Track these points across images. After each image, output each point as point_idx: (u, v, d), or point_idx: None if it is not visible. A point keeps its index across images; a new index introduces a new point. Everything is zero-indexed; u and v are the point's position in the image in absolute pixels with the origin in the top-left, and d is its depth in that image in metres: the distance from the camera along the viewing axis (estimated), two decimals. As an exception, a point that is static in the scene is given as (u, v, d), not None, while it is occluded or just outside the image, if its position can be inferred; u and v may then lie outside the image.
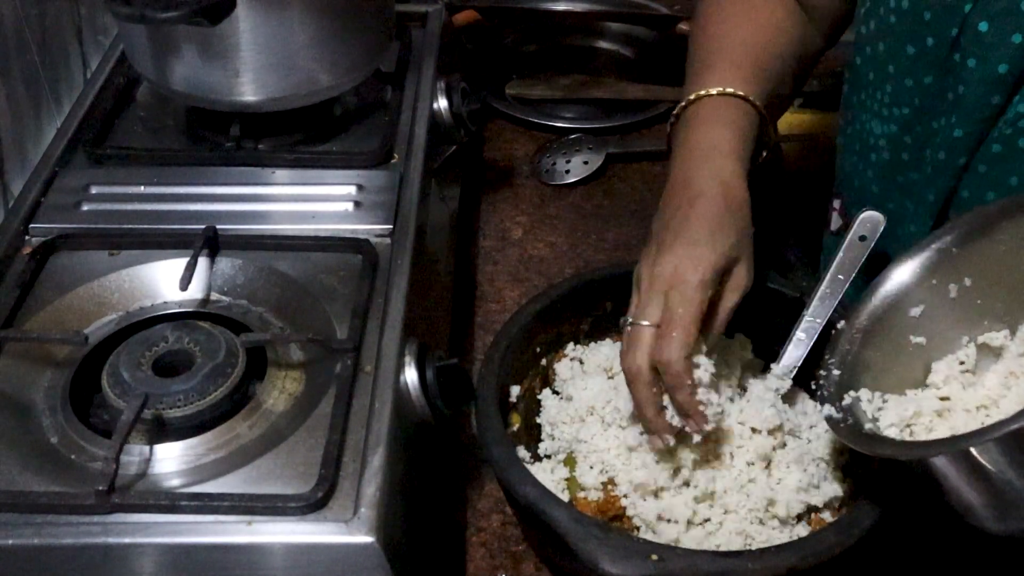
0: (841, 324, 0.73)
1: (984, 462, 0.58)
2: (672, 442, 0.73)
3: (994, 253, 0.71)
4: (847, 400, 0.69)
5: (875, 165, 0.85)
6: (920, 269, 0.73)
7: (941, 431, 0.68)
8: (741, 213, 0.75)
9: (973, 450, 0.58)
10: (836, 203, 0.95)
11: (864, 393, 0.70)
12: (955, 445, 0.60)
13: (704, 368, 0.72)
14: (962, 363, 0.71)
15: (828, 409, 0.69)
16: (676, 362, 0.70)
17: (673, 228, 0.74)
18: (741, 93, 0.81)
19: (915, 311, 0.73)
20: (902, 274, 0.73)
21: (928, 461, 0.61)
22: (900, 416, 0.68)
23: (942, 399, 0.70)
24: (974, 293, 0.72)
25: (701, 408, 0.71)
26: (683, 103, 0.82)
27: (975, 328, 0.72)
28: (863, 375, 0.71)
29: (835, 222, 0.95)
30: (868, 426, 0.68)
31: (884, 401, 0.70)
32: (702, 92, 0.81)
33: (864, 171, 0.87)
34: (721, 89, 0.81)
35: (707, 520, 0.74)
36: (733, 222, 0.74)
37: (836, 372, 0.71)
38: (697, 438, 0.73)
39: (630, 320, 0.73)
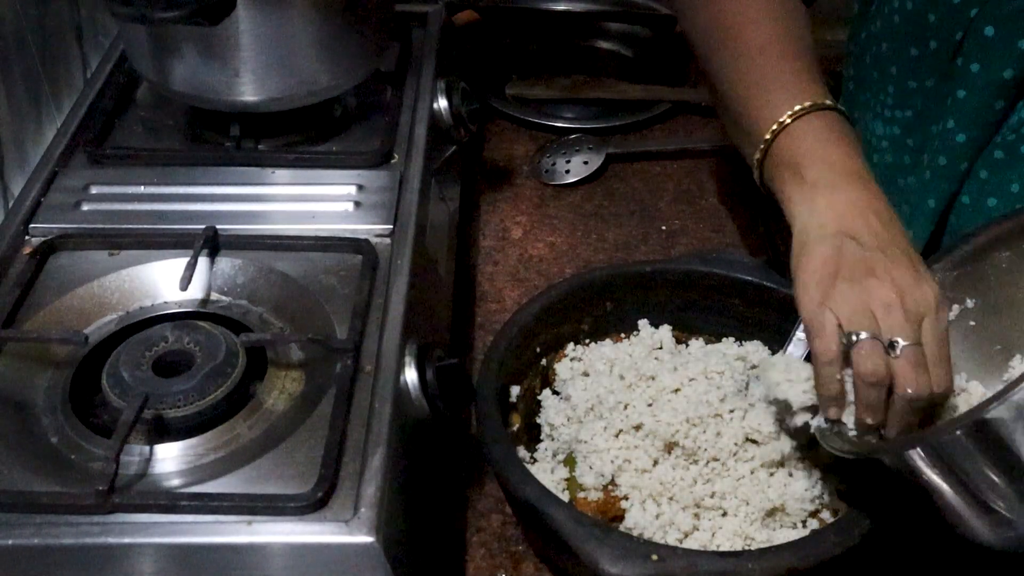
0: None
1: (961, 458, 0.57)
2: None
3: (995, 275, 0.71)
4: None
5: (877, 166, 0.85)
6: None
7: None
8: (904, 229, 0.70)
9: (955, 453, 0.57)
10: None
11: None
12: (926, 439, 0.59)
13: None
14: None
15: (818, 420, 0.69)
16: (949, 389, 0.66)
17: (897, 247, 0.66)
18: (828, 102, 0.72)
19: None
20: None
21: (913, 464, 0.60)
22: None
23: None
24: (978, 314, 0.72)
25: None
26: (768, 136, 0.71)
27: (975, 349, 0.72)
28: None
29: None
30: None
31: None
32: (807, 106, 0.70)
33: None
34: (824, 103, 0.71)
35: (710, 520, 0.74)
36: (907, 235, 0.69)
37: None
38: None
39: (902, 344, 0.65)
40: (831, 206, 0.68)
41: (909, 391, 0.64)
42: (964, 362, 0.72)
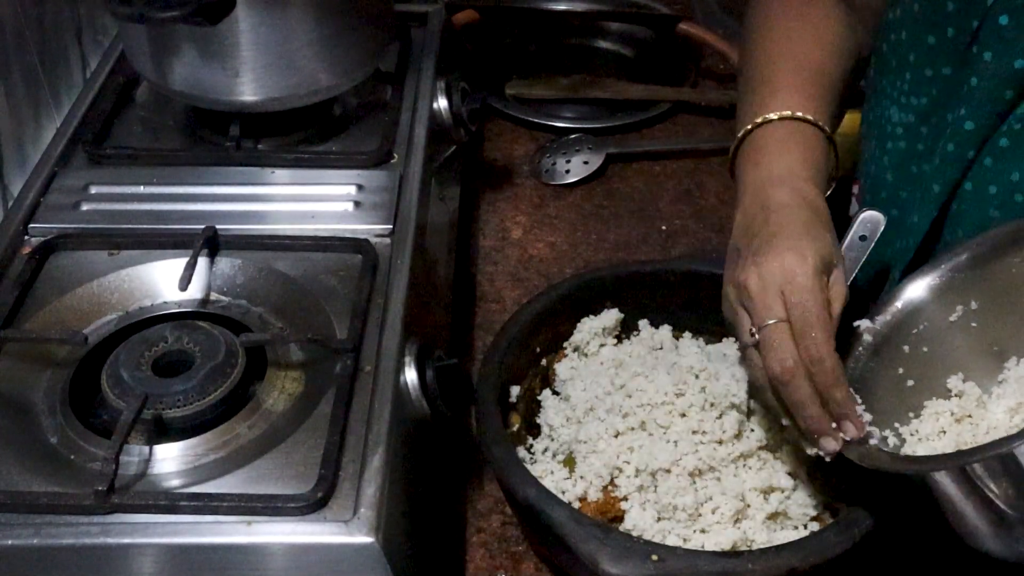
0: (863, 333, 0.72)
1: (986, 479, 0.57)
2: (837, 447, 0.67)
3: (1005, 277, 0.70)
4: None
5: (891, 153, 0.85)
6: (929, 289, 0.72)
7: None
8: (828, 224, 0.71)
9: (977, 467, 0.57)
10: (855, 188, 0.95)
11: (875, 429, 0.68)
12: (959, 459, 0.59)
13: None
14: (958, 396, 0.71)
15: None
16: (829, 356, 0.66)
17: (765, 235, 0.70)
18: (810, 118, 0.76)
19: (920, 328, 0.72)
20: (914, 291, 0.73)
21: (929, 478, 0.60)
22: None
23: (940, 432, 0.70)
24: (980, 316, 0.72)
25: (859, 411, 0.67)
26: (749, 127, 0.78)
27: (973, 351, 0.72)
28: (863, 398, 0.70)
29: (853, 207, 0.95)
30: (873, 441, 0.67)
31: (916, 415, 0.70)
32: (771, 116, 0.77)
33: (881, 158, 0.86)
34: (789, 113, 0.76)
35: (710, 521, 0.74)
36: (824, 227, 0.71)
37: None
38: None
39: (753, 330, 0.68)
40: (742, 210, 0.74)
41: (769, 373, 0.67)
42: (962, 363, 0.72)
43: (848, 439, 0.66)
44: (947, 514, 0.61)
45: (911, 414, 0.70)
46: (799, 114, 0.76)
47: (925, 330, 0.72)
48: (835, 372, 0.66)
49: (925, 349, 0.72)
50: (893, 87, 0.83)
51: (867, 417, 0.67)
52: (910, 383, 0.71)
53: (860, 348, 0.72)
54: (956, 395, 0.71)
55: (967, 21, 0.73)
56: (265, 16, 0.88)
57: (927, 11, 0.77)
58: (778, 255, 0.68)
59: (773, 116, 0.77)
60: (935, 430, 0.68)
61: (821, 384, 0.66)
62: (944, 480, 0.59)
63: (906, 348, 0.72)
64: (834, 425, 0.66)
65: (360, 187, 0.90)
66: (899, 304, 0.73)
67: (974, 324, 0.72)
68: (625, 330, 0.88)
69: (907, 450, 0.67)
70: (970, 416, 0.69)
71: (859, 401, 0.67)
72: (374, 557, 0.63)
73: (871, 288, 0.85)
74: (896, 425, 0.69)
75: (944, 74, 0.77)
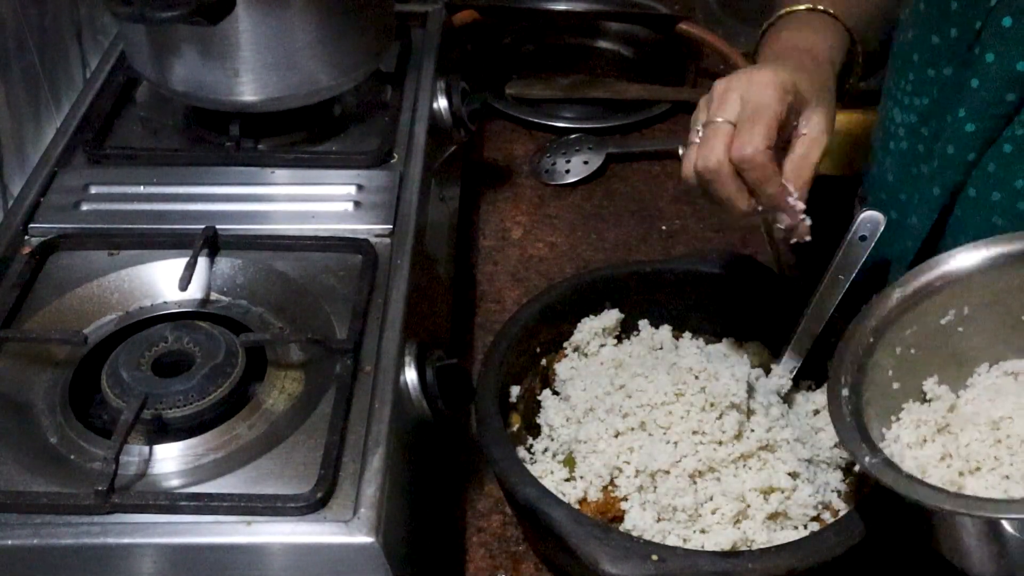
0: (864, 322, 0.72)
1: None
2: (785, 223, 0.71)
3: (1004, 285, 0.71)
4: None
5: (893, 153, 0.85)
6: (928, 290, 0.72)
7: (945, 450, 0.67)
8: (824, 70, 0.74)
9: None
10: (860, 190, 0.95)
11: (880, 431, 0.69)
12: (984, 511, 0.59)
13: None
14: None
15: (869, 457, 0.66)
16: (761, 153, 0.67)
17: (760, 62, 0.75)
18: (831, 11, 0.80)
19: (912, 330, 0.72)
20: (913, 288, 0.72)
21: (956, 522, 0.60)
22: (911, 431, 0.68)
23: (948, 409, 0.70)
24: (967, 322, 0.72)
25: (795, 197, 0.70)
26: (771, 19, 0.81)
27: (952, 355, 0.72)
28: (869, 383, 0.70)
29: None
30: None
31: (896, 419, 0.70)
32: (794, 7, 0.80)
33: (883, 159, 0.87)
34: (812, 5, 0.80)
35: (710, 521, 0.74)
36: (815, 71, 0.73)
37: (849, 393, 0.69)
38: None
39: (702, 121, 0.71)
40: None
41: (696, 168, 0.69)
42: (937, 367, 0.72)
43: (783, 227, 0.71)
44: (950, 548, 0.61)
45: (892, 417, 0.70)
46: (820, 7, 0.79)
47: (915, 333, 0.72)
48: (765, 167, 0.68)
49: (913, 351, 0.72)
50: (897, 87, 0.83)
51: (800, 206, 0.70)
52: (896, 386, 0.72)
53: (865, 340, 0.71)
54: (930, 399, 0.71)
55: (970, 22, 0.73)
56: (265, 16, 0.88)
57: (932, 11, 0.77)
58: (749, 71, 0.71)
59: (796, 7, 0.80)
60: (918, 439, 0.68)
61: (751, 180, 0.68)
62: (966, 531, 0.60)
63: (898, 350, 0.72)
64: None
65: (360, 187, 0.90)
66: (897, 298, 0.72)
67: (960, 329, 0.72)
68: (625, 330, 0.88)
69: (896, 460, 0.67)
70: (949, 426, 0.69)
71: (792, 192, 0.70)
72: (374, 557, 0.63)
73: (871, 288, 0.85)
74: (883, 431, 0.69)
75: (945, 75, 0.77)
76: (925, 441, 0.68)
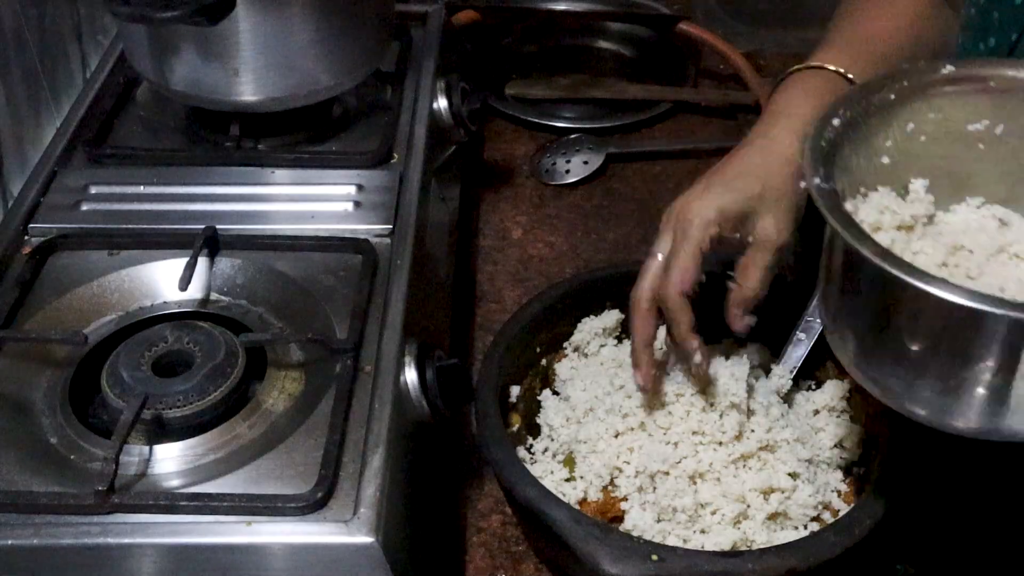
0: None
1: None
2: (647, 385, 0.76)
3: None
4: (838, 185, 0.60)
5: None
6: (975, 86, 0.67)
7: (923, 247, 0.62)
8: (778, 170, 0.74)
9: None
10: None
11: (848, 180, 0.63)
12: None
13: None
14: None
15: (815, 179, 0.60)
16: (671, 297, 0.73)
17: (708, 174, 0.76)
18: (833, 67, 0.78)
19: (934, 116, 0.66)
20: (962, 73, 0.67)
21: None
22: (875, 215, 0.63)
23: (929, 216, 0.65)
24: (993, 143, 0.67)
25: (695, 345, 0.74)
26: (782, 76, 0.81)
27: (950, 172, 0.67)
28: (864, 136, 0.65)
29: None
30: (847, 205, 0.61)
31: (864, 194, 0.64)
32: (799, 66, 0.80)
33: None
34: (819, 64, 0.79)
35: (709, 521, 0.74)
36: (764, 175, 0.74)
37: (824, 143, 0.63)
38: (698, 412, 0.76)
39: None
40: None
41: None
42: (933, 174, 0.66)
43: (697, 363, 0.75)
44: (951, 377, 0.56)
45: (862, 189, 0.65)
46: (831, 67, 0.78)
47: (937, 121, 0.67)
48: (675, 311, 0.73)
49: (923, 139, 0.67)
50: None
51: (697, 358, 0.75)
52: (885, 161, 0.66)
53: (881, 94, 0.66)
54: (911, 200, 0.65)
55: (1007, 33, 0.73)
56: (265, 16, 0.88)
57: (979, 18, 0.77)
58: (687, 197, 0.75)
59: (801, 67, 0.80)
60: (873, 223, 0.63)
61: (666, 317, 0.75)
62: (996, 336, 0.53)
63: (910, 127, 0.66)
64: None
65: (360, 187, 0.90)
66: (944, 73, 0.66)
67: (981, 146, 0.67)
68: (625, 330, 0.88)
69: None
70: (910, 229, 0.64)
71: (694, 346, 0.74)
72: (374, 557, 0.63)
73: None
74: (844, 193, 0.62)
75: None
76: (879, 229, 0.63)
